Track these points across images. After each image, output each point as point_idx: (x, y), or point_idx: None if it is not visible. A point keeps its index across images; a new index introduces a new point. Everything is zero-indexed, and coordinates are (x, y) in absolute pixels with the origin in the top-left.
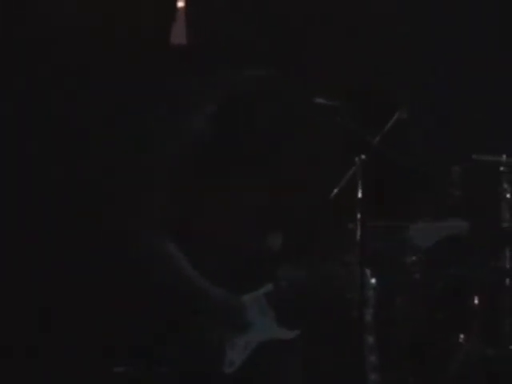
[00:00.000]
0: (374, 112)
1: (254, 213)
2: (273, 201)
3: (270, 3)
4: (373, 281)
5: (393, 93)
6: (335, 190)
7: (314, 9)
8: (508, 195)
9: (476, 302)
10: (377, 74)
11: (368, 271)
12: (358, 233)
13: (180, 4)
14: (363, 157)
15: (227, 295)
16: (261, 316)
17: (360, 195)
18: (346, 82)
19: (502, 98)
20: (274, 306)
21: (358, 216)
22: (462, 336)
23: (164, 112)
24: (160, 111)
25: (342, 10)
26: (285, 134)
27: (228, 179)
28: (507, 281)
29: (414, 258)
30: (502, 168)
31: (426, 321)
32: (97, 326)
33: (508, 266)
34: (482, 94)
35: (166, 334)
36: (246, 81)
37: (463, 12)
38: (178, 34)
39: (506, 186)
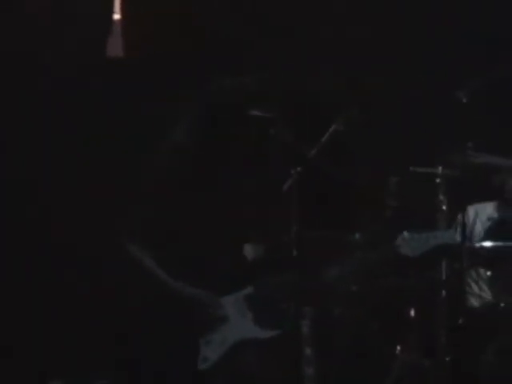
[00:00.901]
0: (310, 124)
1: (239, 222)
2: (259, 211)
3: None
4: None
5: (330, 104)
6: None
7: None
8: (444, 207)
9: (412, 313)
10: (315, 86)
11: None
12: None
13: (116, 17)
14: (299, 169)
15: (202, 293)
16: (239, 316)
17: (296, 207)
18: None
19: (439, 110)
20: (253, 307)
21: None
22: (398, 347)
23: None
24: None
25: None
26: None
27: (213, 190)
28: (443, 292)
29: (350, 269)
30: (438, 180)
31: (362, 332)
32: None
33: (444, 278)
34: (419, 106)
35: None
36: (226, 91)
37: (397, 24)
38: (115, 47)
39: (441, 197)
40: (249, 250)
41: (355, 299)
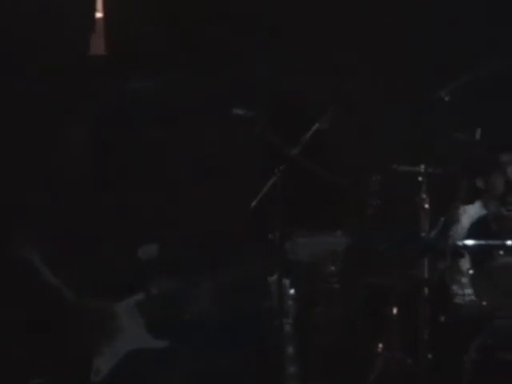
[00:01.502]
0: (293, 122)
1: (131, 224)
2: (155, 212)
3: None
4: (292, 291)
5: (313, 103)
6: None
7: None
8: (426, 205)
9: (394, 311)
10: (298, 85)
11: (287, 281)
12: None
13: (98, 15)
14: (282, 168)
15: (95, 303)
16: (131, 324)
17: (280, 206)
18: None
19: (419, 109)
20: (145, 314)
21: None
22: (380, 345)
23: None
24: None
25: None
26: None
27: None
28: (425, 290)
29: (332, 268)
30: (420, 178)
31: (345, 330)
32: None
33: (426, 276)
34: (401, 105)
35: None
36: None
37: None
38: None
39: (424, 195)
40: (143, 252)
41: (338, 297)
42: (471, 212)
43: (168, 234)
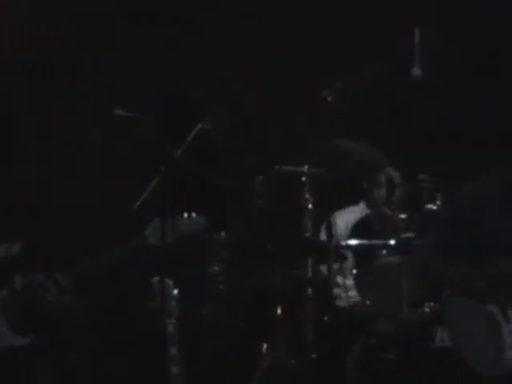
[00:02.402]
0: (177, 122)
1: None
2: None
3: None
4: (175, 292)
5: (197, 103)
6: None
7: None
8: (310, 205)
9: (279, 311)
10: (183, 85)
11: (170, 282)
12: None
13: None
14: (166, 168)
15: None
16: None
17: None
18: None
19: (305, 109)
20: (6, 312)
21: None
22: (265, 345)
23: None
24: None
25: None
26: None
27: None
28: (309, 290)
29: (216, 268)
30: (303, 178)
31: (230, 331)
32: None
33: (310, 276)
34: (285, 105)
35: None
36: None
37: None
38: None
39: (307, 196)
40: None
41: (223, 298)
42: (355, 212)
43: (31, 230)
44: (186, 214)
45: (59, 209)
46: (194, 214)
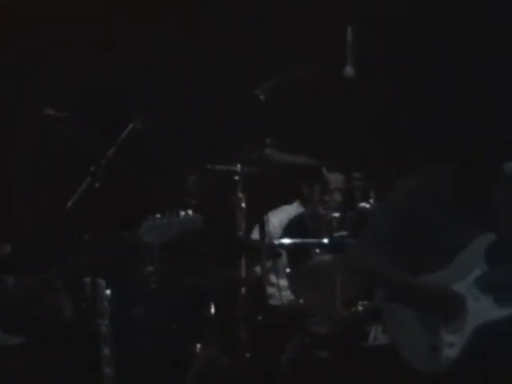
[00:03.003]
0: (109, 122)
1: None
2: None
3: None
4: (108, 292)
5: (127, 103)
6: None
7: None
8: (243, 204)
9: (212, 311)
10: (111, 84)
11: (102, 282)
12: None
13: None
14: (98, 168)
15: None
16: None
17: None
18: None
19: (236, 108)
20: None
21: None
22: (199, 345)
23: None
24: None
25: None
26: None
27: None
28: (243, 289)
29: (150, 268)
30: (236, 177)
31: (163, 331)
32: None
33: (244, 275)
34: (218, 104)
35: None
36: None
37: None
38: None
39: (240, 195)
40: None
41: (155, 298)
42: (289, 211)
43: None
44: (182, 212)
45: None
46: (190, 212)
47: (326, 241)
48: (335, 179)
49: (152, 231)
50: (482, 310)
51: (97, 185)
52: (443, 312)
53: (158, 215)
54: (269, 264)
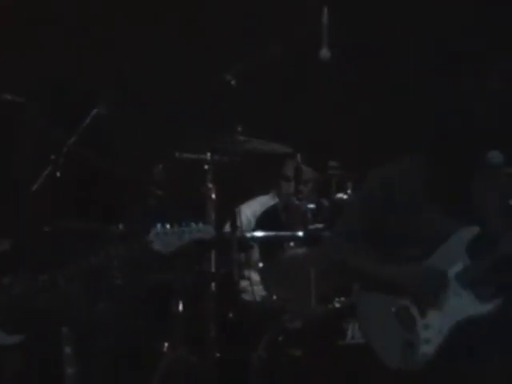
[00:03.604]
0: (70, 109)
1: None
2: None
3: None
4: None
5: (91, 88)
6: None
7: None
8: (213, 195)
9: (180, 307)
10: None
11: (62, 279)
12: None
13: None
14: (59, 156)
15: None
16: None
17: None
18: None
19: (205, 94)
20: None
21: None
22: (166, 344)
23: None
24: None
25: None
26: None
27: None
28: (212, 285)
29: (114, 262)
30: (206, 166)
31: (128, 329)
32: None
33: (213, 270)
34: (185, 90)
35: None
36: None
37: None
38: None
39: (210, 185)
40: None
41: (120, 294)
42: (263, 202)
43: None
44: (193, 223)
45: None
46: (201, 223)
47: (300, 233)
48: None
49: (160, 239)
50: (463, 305)
51: (58, 174)
52: (422, 292)
53: (167, 224)
54: (240, 257)
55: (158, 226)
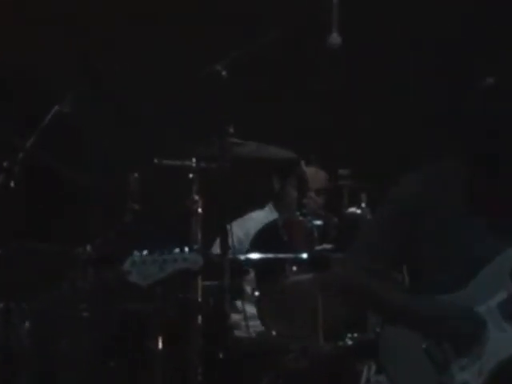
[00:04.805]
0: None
1: None
2: None
3: None
4: (26, 324)
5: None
6: None
7: None
8: (199, 209)
9: (159, 344)
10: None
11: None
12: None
13: None
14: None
15: None
16: None
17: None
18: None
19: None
20: None
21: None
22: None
23: None
24: None
25: None
26: None
27: None
28: (199, 318)
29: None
30: (191, 175)
31: (95, 367)
32: None
33: (200, 300)
34: (166, 93)
35: None
36: None
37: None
38: None
39: (196, 197)
40: None
41: (87, 328)
42: (258, 218)
43: None
44: (177, 249)
45: None
46: (186, 250)
47: (304, 255)
48: (317, 177)
49: (138, 269)
50: (507, 342)
51: (12, 184)
52: (457, 339)
53: (146, 251)
54: (233, 285)
55: (136, 253)
